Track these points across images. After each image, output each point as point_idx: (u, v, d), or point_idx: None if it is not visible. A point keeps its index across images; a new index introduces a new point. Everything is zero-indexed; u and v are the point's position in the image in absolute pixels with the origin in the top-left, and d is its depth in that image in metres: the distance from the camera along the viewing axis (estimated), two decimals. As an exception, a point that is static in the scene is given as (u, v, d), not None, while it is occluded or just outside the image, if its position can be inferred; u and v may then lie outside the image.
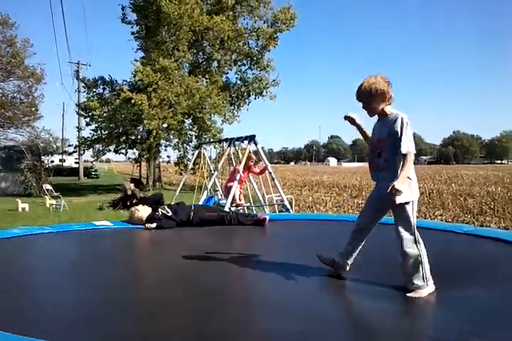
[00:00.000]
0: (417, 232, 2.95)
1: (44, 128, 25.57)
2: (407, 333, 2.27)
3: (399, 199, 2.84)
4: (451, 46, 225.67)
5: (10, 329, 1.99)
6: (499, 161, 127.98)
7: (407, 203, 2.91)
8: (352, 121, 3.22)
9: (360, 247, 3.27)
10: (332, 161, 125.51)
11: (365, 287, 3.01)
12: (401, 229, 2.95)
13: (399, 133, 2.85)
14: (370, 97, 2.95)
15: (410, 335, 2.24)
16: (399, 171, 2.87)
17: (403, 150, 2.83)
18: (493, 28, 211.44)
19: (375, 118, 3.13)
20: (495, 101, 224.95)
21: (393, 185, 2.73)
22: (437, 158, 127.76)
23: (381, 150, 3.01)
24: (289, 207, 8.37)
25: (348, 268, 3.28)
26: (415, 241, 2.93)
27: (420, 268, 2.89)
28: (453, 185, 20.28)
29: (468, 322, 2.27)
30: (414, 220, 2.95)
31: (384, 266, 3.41)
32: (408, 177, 2.88)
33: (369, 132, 3.22)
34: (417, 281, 2.88)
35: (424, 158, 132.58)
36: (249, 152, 8.80)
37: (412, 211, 2.94)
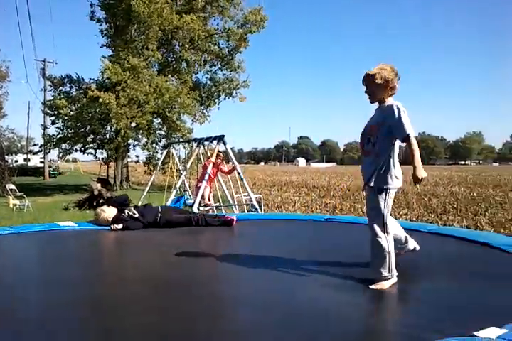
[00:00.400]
0: (388, 222, 2.97)
1: (8, 127, 24.95)
2: (369, 325, 2.33)
3: (374, 184, 2.95)
4: (417, 48, 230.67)
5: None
6: (463, 162, 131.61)
7: (380, 190, 2.95)
8: None
9: (402, 233, 3.43)
10: (301, 161, 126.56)
11: (334, 281, 3.06)
12: (372, 218, 3.00)
13: (396, 118, 2.89)
14: (374, 82, 3.00)
15: (372, 328, 2.30)
16: (394, 160, 3.06)
17: (406, 131, 2.87)
18: (460, 30, 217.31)
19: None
20: (459, 103, 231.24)
21: (414, 177, 2.84)
22: (403, 159, 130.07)
23: (371, 136, 3.07)
24: (257, 206, 8.40)
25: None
26: (384, 231, 2.95)
27: (387, 259, 2.93)
28: (418, 185, 20.70)
29: (427, 317, 2.34)
30: (385, 210, 2.95)
31: (355, 261, 3.50)
32: (391, 166, 3.01)
33: None
34: (383, 271, 2.94)
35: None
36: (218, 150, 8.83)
37: (384, 199, 2.95)
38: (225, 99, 22.19)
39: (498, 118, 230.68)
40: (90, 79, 20.85)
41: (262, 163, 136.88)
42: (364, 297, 2.82)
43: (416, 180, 2.84)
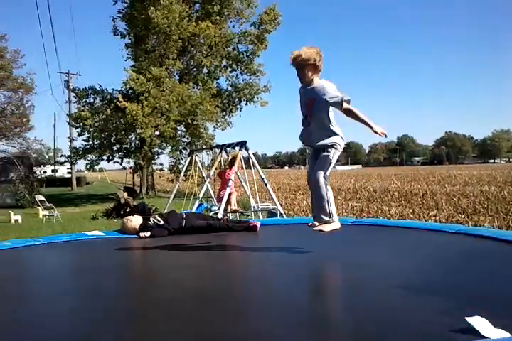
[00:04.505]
0: (328, 176, 3.46)
1: (36, 139, 25.56)
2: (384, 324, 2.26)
3: (328, 141, 3.41)
4: (441, 47, 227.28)
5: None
6: (492, 160, 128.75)
7: (328, 147, 3.42)
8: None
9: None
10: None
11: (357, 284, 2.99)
12: (318, 170, 3.46)
13: (327, 95, 3.24)
14: (303, 65, 3.26)
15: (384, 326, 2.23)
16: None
17: (339, 98, 3.22)
18: (486, 28, 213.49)
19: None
20: (486, 100, 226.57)
21: (375, 131, 3.31)
22: (430, 159, 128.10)
23: (308, 110, 3.46)
24: (282, 211, 8.35)
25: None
26: (325, 183, 3.43)
27: (326, 205, 3.44)
28: (446, 185, 20.33)
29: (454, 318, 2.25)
30: (329, 165, 3.45)
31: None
32: (333, 129, 3.40)
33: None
34: (324, 216, 3.46)
35: (417, 159, 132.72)
36: (240, 158, 8.74)
37: (330, 156, 3.43)
38: (246, 104, 22.26)
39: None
40: (113, 89, 21.23)
41: (286, 167, 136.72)
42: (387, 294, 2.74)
43: (380, 133, 3.32)
